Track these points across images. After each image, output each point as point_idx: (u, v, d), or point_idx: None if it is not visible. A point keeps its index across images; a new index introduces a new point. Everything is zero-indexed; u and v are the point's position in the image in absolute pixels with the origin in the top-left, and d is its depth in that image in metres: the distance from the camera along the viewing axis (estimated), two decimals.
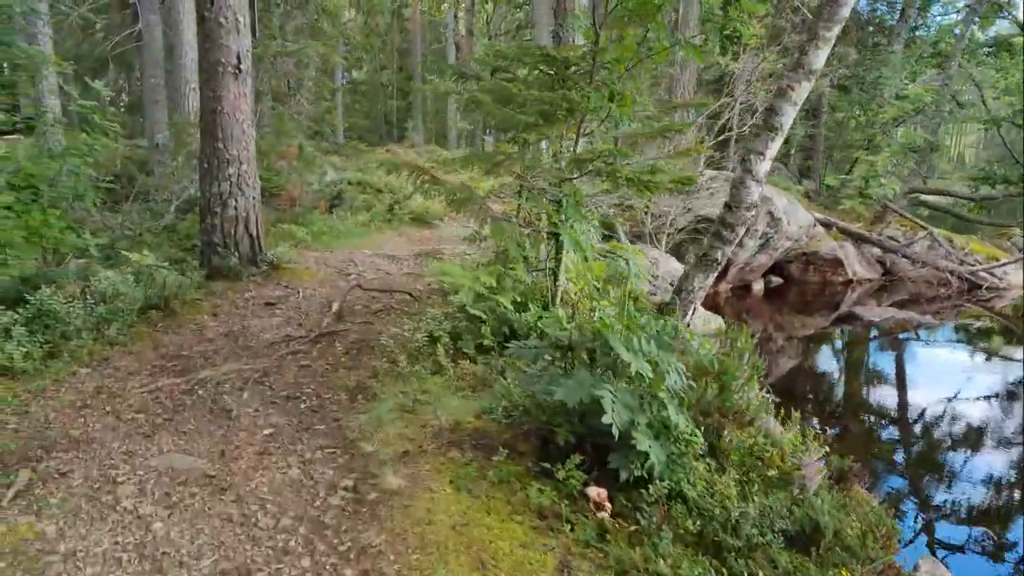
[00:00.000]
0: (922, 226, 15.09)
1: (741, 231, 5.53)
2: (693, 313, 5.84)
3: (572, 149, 4.68)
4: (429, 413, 3.86)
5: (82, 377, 4.48)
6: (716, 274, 5.78)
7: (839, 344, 11.41)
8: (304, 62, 13.55)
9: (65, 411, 3.94)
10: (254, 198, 7.43)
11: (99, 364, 4.73)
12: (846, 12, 5.01)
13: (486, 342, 4.55)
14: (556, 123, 4.28)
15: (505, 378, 4.21)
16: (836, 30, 5.06)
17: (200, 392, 4.35)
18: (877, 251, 14.61)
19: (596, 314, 3.47)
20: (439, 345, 4.53)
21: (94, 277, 5.92)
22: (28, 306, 5.02)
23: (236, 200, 7.25)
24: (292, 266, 7.79)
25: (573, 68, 4.68)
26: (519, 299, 4.82)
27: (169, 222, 11.54)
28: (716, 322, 9.38)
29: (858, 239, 14.41)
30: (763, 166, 5.36)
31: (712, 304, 11.74)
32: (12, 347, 4.38)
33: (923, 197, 18.09)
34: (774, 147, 5.36)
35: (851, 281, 14.06)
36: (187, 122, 12.12)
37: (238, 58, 7.02)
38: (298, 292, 6.89)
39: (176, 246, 10.82)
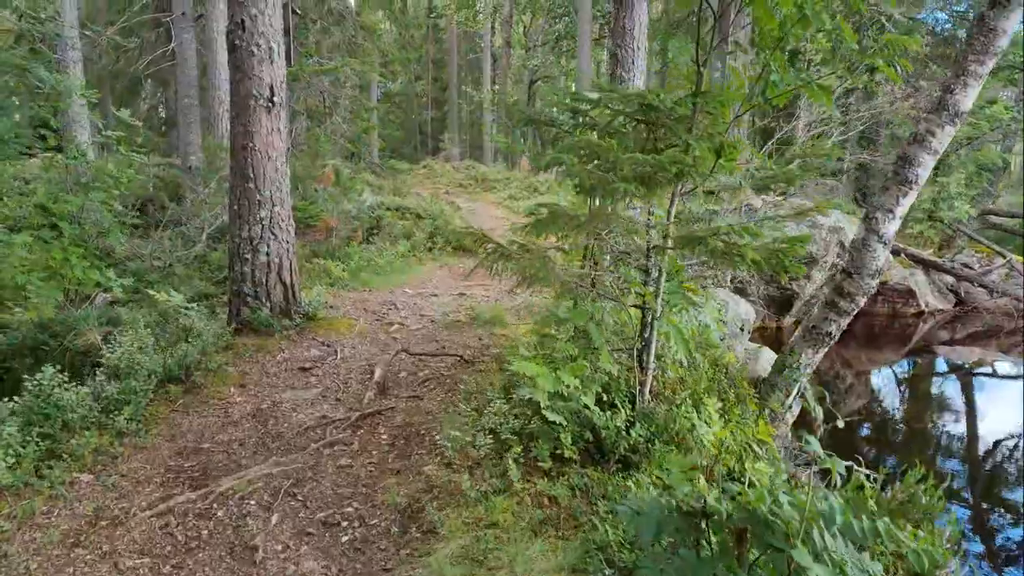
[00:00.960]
0: (999, 252, 13.83)
1: (862, 301, 4.56)
2: (797, 394, 4.87)
3: (668, 213, 3.77)
4: (504, 567, 2.98)
5: (81, 489, 3.69)
6: (827, 350, 4.82)
7: (923, 381, 10.32)
8: (341, 80, 12.82)
9: (52, 553, 3.13)
10: (288, 242, 6.65)
11: (104, 467, 3.94)
12: (1004, 43, 4.03)
13: (566, 452, 3.66)
14: (659, 187, 3.38)
15: (596, 509, 3.31)
16: (990, 64, 4.08)
17: (220, 514, 3.53)
18: (949, 279, 13.40)
19: (743, 469, 2.56)
20: (508, 455, 3.66)
21: (108, 346, 5.16)
22: (27, 391, 4.25)
23: (268, 245, 6.48)
24: (329, 316, 6.98)
25: (669, 114, 3.78)
26: (602, 393, 3.93)
27: (200, 251, 10.88)
28: None
29: (930, 267, 13.22)
30: (892, 226, 4.40)
31: (775, 339, 10.75)
32: None
33: (992, 219, 16.76)
34: (906, 203, 4.39)
35: (922, 312, 12.89)
36: (219, 146, 11.47)
37: (271, 90, 6.24)
38: (336, 351, 6.07)
39: (206, 278, 10.15)
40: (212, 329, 7.01)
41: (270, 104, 6.28)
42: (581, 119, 4.24)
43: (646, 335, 4.04)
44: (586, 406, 3.66)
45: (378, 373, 5.49)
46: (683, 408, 3.84)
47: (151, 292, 8.02)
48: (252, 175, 6.33)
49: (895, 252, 13.04)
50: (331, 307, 7.54)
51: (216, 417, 4.76)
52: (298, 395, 5.17)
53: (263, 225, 6.44)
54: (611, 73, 8.83)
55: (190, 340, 7.06)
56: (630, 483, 3.34)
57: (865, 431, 8.01)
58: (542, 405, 3.57)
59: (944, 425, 8.29)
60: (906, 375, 10.69)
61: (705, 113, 3.75)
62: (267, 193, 6.41)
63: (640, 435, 3.69)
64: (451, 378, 5.44)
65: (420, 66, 34.21)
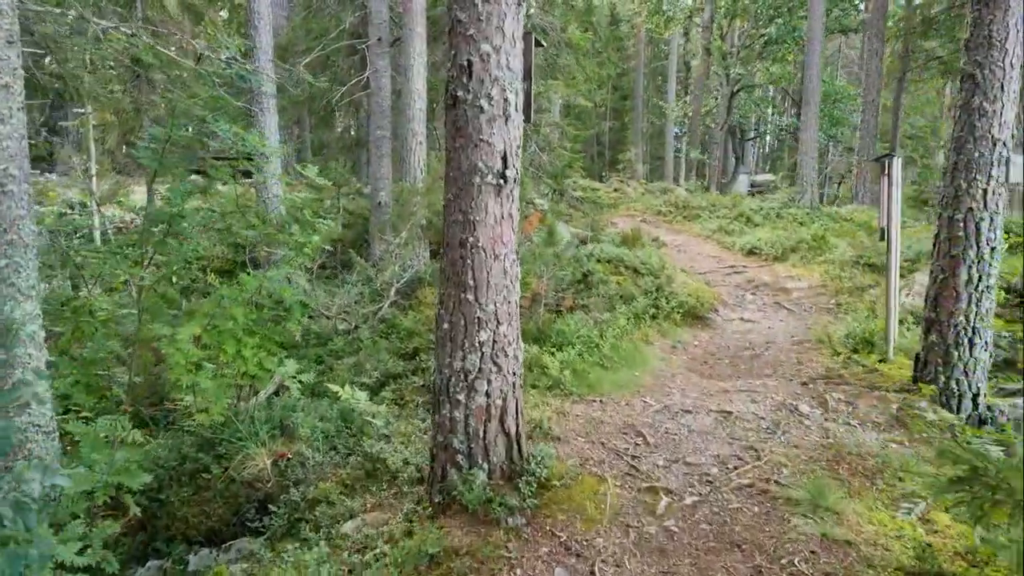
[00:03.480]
0: None
1: None
2: None
3: None
4: None
5: None
6: None
7: None
8: (544, 106, 10.58)
9: None
10: (514, 373, 4.40)
11: None
12: None
13: None
14: None
15: None
16: None
17: None
18: None
19: None
20: None
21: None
22: None
23: (489, 381, 4.26)
24: (564, 473, 4.65)
25: None
26: None
27: (386, 313, 9.13)
28: None
29: None
30: None
31: None
32: None
33: None
34: None
35: None
36: (411, 189, 9.65)
37: (504, 160, 3.98)
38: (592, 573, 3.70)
39: (394, 349, 8.32)
40: (406, 472, 5.02)
41: (501, 181, 4.02)
42: None
43: None
44: None
45: None
46: None
47: (331, 387, 6.29)
48: (472, 282, 4.12)
49: None
50: (557, 439, 5.26)
51: None
52: None
53: (483, 353, 4.22)
54: (963, 104, 5.80)
55: (377, 474, 5.19)
56: None
57: None
58: None
59: None
60: None
61: None
62: (490, 308, 4.19)
63: None
64: None
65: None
